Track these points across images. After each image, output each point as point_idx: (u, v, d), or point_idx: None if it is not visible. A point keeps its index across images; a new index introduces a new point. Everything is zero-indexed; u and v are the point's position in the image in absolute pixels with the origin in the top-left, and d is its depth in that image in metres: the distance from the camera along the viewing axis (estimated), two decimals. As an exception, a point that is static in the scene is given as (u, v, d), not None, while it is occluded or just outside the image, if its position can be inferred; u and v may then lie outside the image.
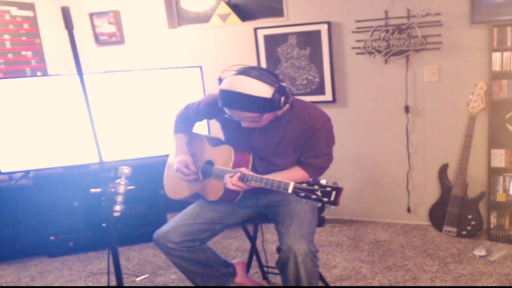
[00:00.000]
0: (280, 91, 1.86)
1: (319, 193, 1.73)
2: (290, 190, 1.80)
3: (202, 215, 2.11)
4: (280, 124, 2.01)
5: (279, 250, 1.94)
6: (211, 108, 2.16)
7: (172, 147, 2.32)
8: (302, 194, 1.76)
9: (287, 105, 1.93)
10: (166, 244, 2.03)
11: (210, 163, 2.19)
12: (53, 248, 3.27)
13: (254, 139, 2.08)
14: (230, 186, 1.94)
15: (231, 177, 1.95)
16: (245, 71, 1.87)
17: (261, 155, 2.09)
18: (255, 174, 1.93)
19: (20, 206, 3.22)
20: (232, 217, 2.17)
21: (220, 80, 1.94)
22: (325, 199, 1.72)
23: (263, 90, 1.83)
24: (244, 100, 1.82)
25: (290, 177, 1.93)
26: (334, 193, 1.71)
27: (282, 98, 1.86)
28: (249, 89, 1.82)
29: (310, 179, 1.76)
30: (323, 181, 1.74)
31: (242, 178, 1.93)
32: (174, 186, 2.34)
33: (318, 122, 2.00)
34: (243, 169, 1.96)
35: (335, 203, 1.71)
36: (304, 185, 1.77)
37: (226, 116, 1.95)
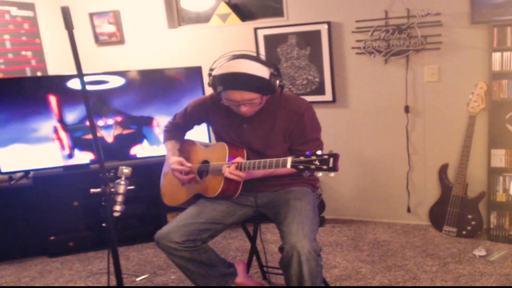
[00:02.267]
0: (275, 73, 1.96)
1: (317, 162, 1.76)
2: (289, 165, 1.82)
3: (203, 215, 2.11)
4: (267, 115, 2.08)
5: (281, 249, 1.94)
6: (198, 108, 2.23)
7: (166, 152, 2.35)
8: (301, 167, 1.79)
9: (278, 90, 2.00)
10: (168, 245, 2.03)
11: (205, 162, 2.22)
12: (53, 248, 3.27)
13: (245, 133, 2.12)
14: (228, 175, 1.98)
15: (229, 167, 1.99)
16: (242, 55, 1.96)
17: (254, 148, 2.13)
18: (252, 160, 1.97)
19: (20, 206, 3.22)
20: (232, 217, 2.18)
21: (212, 70, 2.00)
22: (324, 167, 1.74)
23: (262, 71, 1.92)
24: (250, 80, 1.89)
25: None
26: (331, 159, 1.74)
27: (277, 81, 1.96)
28: (251, 69, 1.90)
29: (307, 152, 1.79)
30: (318, 152, 1.78)
31: (240, 167, 1.98)
32: (173, 193, 2.36)
33: (301, 107, 2.08)
34: (239, 159, 2.02)
35: (334, 169, 1.73)
36: (302, 158, 1.80)
37: (222, 102, 1.99)
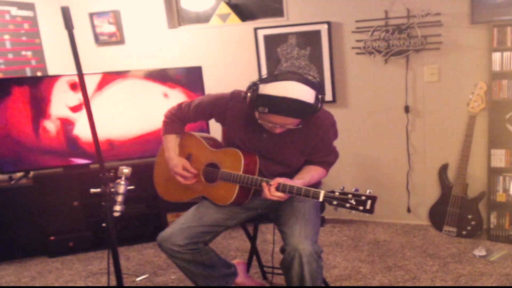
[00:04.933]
0: (318, 97, 1.85)
1: (353, 201, 1.72)
2: (321, 199, 1.77)
3: (207, 218, 2.09)
4: (292, 129, 1.95)
5: (283, 250, 1.94)
6: (216, 107, 2.09)
7: (165, 148, 2.23)
8: (335, 203, 1.74)
9: None
10: (171, 247, 2.02)
11: (213, 166, 2.13)
12: (53, 248, 3.27)
13: (264, 143, 2.05)
14: (270, 197, 1.87)
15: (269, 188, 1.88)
16: (294, 77, 1.83)
17: (267, 156, 2.07)
18: (288, 183, 1.86)
19: (20, 206, 3.22)
20: (234, 220, 2.16)
21: (256, 85, 1.85)
22: (361, 208, 1.70)
23: (312, 95, 1.82)
24: (299, 107, 1.79)
25: (313, 176, 1.96)
26: (369, 201, 1.70)
27: (319, 105, 1.86)
28: (303, 95, 1.80)
29: (342, 188, 1.75)
30: (353, 190, 1.73)
31: (278, 188, 1.86)
32: (172, 188, 2.28)
33: (326, 122, 2.01)
34: (279, 179, 1.87)
35: (371, 211, 1.70)
36: (337, 193, 1.74)
37: (258, 119, 1.90)
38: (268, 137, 2.02)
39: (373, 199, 1.70)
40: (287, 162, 2.06)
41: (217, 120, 2.16)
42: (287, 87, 1.80)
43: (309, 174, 2.02)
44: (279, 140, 2.02)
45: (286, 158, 2.06)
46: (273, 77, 1.86)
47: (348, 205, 1.72)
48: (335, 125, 2.07)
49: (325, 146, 2.06)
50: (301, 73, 1.89)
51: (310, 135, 2.00)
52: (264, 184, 1.90)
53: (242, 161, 2.01)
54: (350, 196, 1.72)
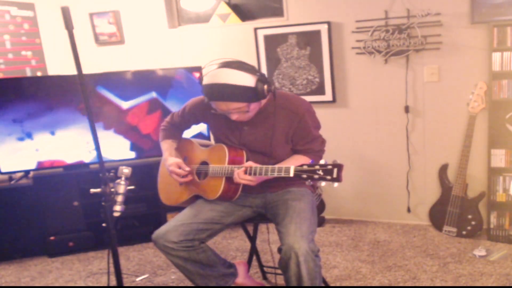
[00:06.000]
0: (262, 79, 1.92)
1: (320, 172, 1.75)
2: (291, 174, 1.82)
3: (201, 215, 2.12)
4: (267, 116, 2.06)
5: (280, 250, 1.94)
6: (197, 109, 2.21)
7: (162, 151, 2.33)
8: (304, 176, 1.78)
9: (270, 94, 1.97)
10: (165, 244, 2.04)
11: (205, 163, 2.21)
12: (53, 248, 3.27)
13: (245, 135, 2.11)
14: (239, 181, 1.96)
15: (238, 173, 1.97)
16: (226, 64, 1.93)
17: (254, 150, 2.12)
18: (259, 165, 1.94)
19: (20, 206, 3.22)
20: (230, 217, 2.18)
21: (201, 77, 1.99)
22: (328, 177, 1.75)
23: (246, 79, 1.89)
24: (231, 90, 1.88)
25: (294, 164, 1.95)
26: (335, 170, 1.74)
27: (265, 86, 1.92)
28: (233, 79, 1.88)
29: (311, 161, 1.79)
30: (321, 161, 1.77)
31: (247, 171, 1.95)
32: (171, 192, 2.35)
33: (301, 107, 2.06)
34: (249, 163, 1.98)
35: (338, 179, 1.74)
36: (305, 167, 1.79)
37: (213, 111, 2.00)
38: (249, 129, 2.10)
39: (339, 167, 1.75)
40: (271, 153, 2.10)
41: (204, 122, 2.29)
42: (217, 73, 1.90)
43: (290, 162, 2.05)
44: (259, 131, 2.09)
45: (270, 148, 2.10)
46: (212, 67, 1.95)
47: (316, 176, 1.76)
48: (312, 111, 2.11)
49: (305, 133, 2.10)
50: (238, 61, 1.96)
51: (287, 121, 2.06)
52: (235, 169, 1.98)
53: (227, 154, 2.08)
54: (317, 167, 1.76)
